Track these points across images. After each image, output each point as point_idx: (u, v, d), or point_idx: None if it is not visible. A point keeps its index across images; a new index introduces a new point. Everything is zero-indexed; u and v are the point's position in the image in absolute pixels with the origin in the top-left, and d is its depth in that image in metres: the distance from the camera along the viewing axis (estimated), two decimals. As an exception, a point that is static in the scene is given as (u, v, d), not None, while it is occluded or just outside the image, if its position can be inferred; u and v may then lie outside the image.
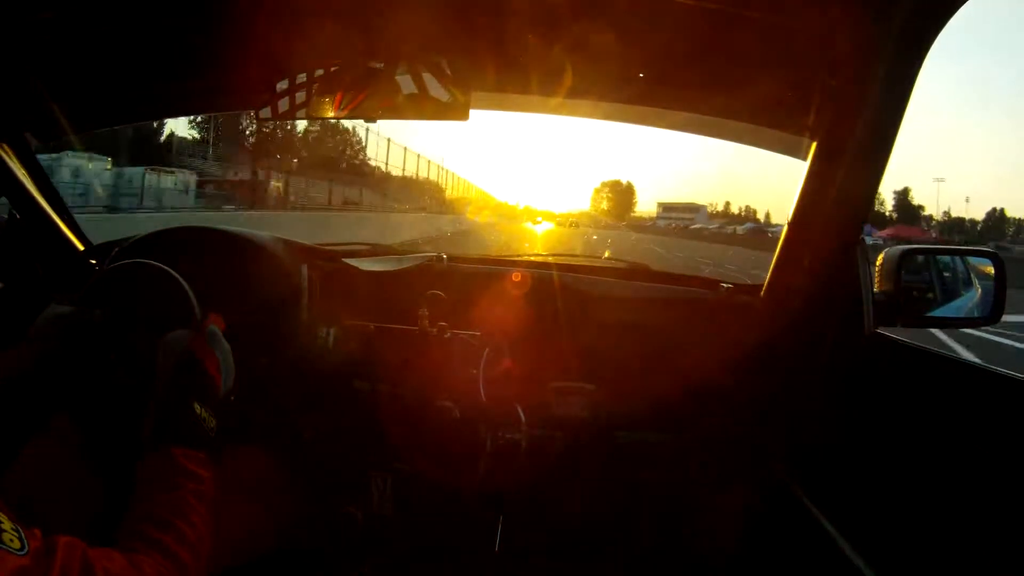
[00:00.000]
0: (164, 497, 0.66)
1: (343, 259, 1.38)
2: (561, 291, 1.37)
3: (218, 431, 0.77)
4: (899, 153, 0.91)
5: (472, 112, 1.15)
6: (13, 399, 0.91)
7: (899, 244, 1.15)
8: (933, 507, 0.83)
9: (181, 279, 1.01)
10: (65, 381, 0.95)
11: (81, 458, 0.98)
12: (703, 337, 1.29)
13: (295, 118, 1.22)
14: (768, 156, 1.31)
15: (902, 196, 52.28)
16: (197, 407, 0.75)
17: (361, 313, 1.33)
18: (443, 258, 1.43)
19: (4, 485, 0.87)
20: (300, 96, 1.20)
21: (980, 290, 1.09)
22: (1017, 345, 6.91)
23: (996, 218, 52.62)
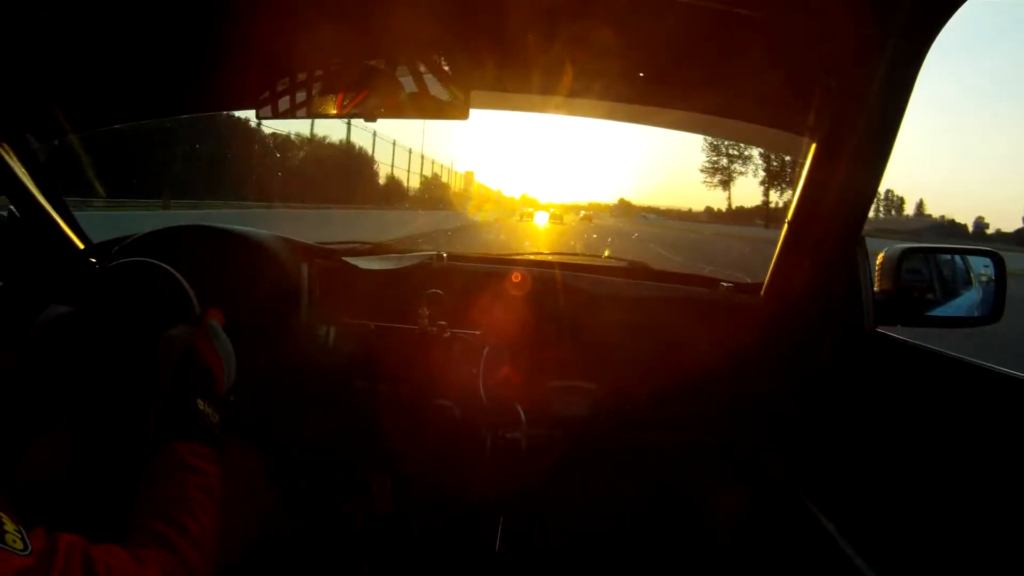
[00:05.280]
0: (168, 492, 0.65)
1: (343, 258, 1.38)
2: (562, 290, 1.37)
3: (221, 427, 0.77)
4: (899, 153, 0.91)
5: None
6: (14, 399, 0.91)
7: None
8: (933, 506, 0.83)
9: (180, 277, 1.01)
10: (65, 381, 0.95)
11: (83, 457, 0.98)
12: (703, 336, 1.29)
13: (295, 117, 1.22)
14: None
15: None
16: (200, 403, 0.75)
17: (361, 312, 1.33)
18: (443, 257, 1.42)
19: (6, 485, 0.87)
20: (300, 95, 1.20)
21: (981, 290, 1.09)
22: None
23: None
